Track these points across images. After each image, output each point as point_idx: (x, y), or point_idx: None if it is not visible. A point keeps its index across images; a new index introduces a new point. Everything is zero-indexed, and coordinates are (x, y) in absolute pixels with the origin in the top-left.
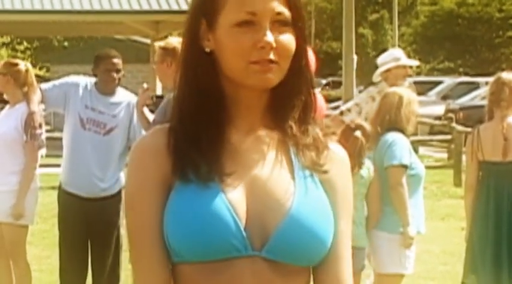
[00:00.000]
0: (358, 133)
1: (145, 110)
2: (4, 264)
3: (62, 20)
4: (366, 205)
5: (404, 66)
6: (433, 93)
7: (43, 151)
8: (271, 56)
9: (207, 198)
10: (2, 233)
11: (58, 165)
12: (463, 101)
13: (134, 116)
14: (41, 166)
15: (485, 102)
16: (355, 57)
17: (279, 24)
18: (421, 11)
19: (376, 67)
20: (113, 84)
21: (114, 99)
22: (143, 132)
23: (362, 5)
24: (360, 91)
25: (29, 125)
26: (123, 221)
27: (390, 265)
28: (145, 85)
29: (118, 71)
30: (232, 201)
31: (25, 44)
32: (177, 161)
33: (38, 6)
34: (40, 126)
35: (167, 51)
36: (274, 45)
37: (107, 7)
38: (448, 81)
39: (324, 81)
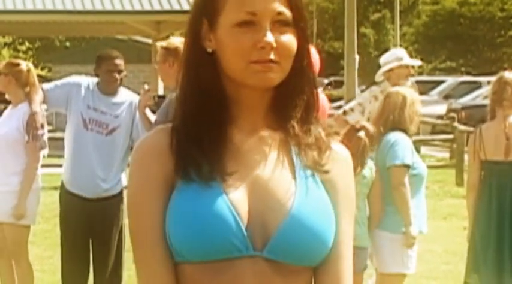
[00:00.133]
0: (361, 133)
1: (147, 111)
2: (6, 264)
3: (64, 20)
4: (367, 205)
5: (407, 66)
6: (435, 93)
7: (45, 152)
8: (272, 56)
9: (208, 198)
10: (4, 234)
11: (60, 165)
12: (465, 101)
13: (136, 116)
14: (43, 166)
15: (487, 102)
16: (357, 56)
17: (279, 24)
18: (422, 10)
19: (378, 67)
20: (114, 84)
21: (116, 99)
22: (145, 132)
23: (364, 5)
24: (362, 91)
25: (30, 126)
26: (125, 222)
27: (392, 265)
28: (146, 87)
29: (120, 72)
30: (234, 200)
31: (27, 44)
32: (179, 161)
33: (39, 6)
34: (42, 126)
35: (169, 51)
36: (274, 45)
37: (108, 7)
38: (450, 80)
39: (326, 81)
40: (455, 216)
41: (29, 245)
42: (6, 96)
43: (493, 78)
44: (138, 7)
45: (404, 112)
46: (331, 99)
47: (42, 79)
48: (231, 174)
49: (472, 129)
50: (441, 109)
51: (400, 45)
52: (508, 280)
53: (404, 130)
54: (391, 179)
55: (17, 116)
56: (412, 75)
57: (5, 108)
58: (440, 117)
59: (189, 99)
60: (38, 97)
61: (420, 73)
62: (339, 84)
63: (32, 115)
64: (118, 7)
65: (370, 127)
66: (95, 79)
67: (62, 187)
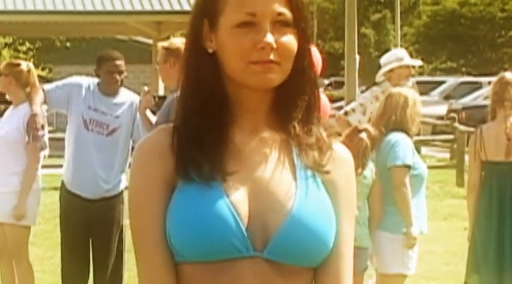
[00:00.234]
0: (363, 134)
1: (148, 112)
2: (7, 265)
3: (64, 20)
4: (367, 206)
5: (407, 66)
6: (435, 93)
7: (46, 152)
8: (272, 57)
9: (208, 198)
10: (4, 234)
11: (60, 166)
12: (465, 101)
13: (137, 116)
14: (43, 167)
15: (488, 102)
16: (357, 57)
17: (280, 24)
18: (423, 10)
19: (379, 67)
20: (115, 85)
21: (117, 99)
22: (146, 133)
23: (364, 5)
24: (362, 92)
25: (30, 127)
26: (125, 222)
27: (393, 265)
28: (146, 88)
29: (121, 73)
30: (234, 201)
31: (27, 44)
32: (180, 161)
33: (40, 7)
34: (42, 127)
35: (170, 51)
36: (274, 45)
37: (109, 8)
38: (451, 81)
39: (326, 81)
40: (455, 217)
41: (30, 246)
42: (7, 97)
43: (493, 79)
44: (138, 7)
45: (406, 113)
46: (332, 100)
47: (43, 79)
48: (232, 174)
49: (472, 129)
50: (442, 109)
51: (401, 46)
52: (509, 280)
53: (406, 131)
54: (391, 179)
55: (18, 116)
56: (413, 76)
57: (6, 109)
58: (440, 118)
59: (190, 100)
60: (38, 97)
61: (421, 74)
62: (339, 85)
63: (32, 116)
64: (118, 7)
65: (372, 130)
66: (96, 80)
67: (62, 187)
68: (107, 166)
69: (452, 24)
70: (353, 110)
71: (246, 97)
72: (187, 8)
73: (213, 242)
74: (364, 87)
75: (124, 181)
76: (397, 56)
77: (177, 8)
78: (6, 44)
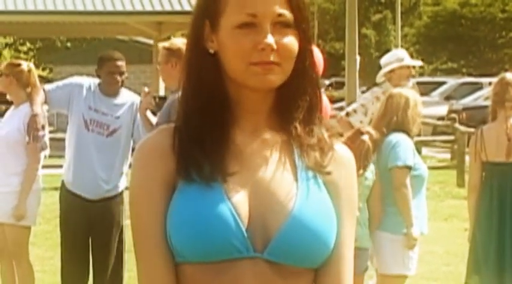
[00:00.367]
0: (365, 137)
1: (148, 113)
2: (7, 265)
3: (65, 20)
4: (366, 207)
5: (408, 67)
6: (436, 94)
7: (46, 153)
8: (272, 58)
9: (209, 199)
10: (4, 235)
11: (61, 166)
12: (466, 102)
13: (137, 117)
14: (44, 167)
15: (488, 103)
16: (358, 57)
17: (280, 25)
18: (424, 11)
19: (379, 67)
20: (116, 86)
21: (118, 100)
22: (146, 133)
23: (365, 6)
24: (363, 92)
25: (31, 127)
26: (126, 222)
27: (393, 266)
28: (146, 89)
29: (121, 74)
30: (235, 201)
31: (28, 44)
32: (181, 161)
33: (41, 7)
34: (43, 127)
35: (172, 51)
36: (274, 46)
37: (109, 8)
38: (451, 81)
39: (327, 82)
40: (456, 217)
41: (30, 246)
42: (8, 97)
43: (494, 79)
44: (139, 8)
45: (407, 114)
46: (333, 100)
47: (44, 80)
48: (233, 175)
49: (473, 130)
50: (442, 110)
51: (401, 46)
52: (509, 281)
53: (406, 132)
54: (392, 180)
55: (18, 117)
56: (413, 76)
57: (7, 109)
58: (441, 118)
59: (191, 100)
60: (39, 98)
61: (421, 74)
62: (340, 85)
63: (33, 117)
64: (119, 8)
65: (374, 133)
66: (97, 80)
67: (63, 187)
68: (107, 167)
69: (452, 24)
70: (354, 111)
71: (247, 98)
72: (187, 8)
73: (213, 242)
74: (364, 88)
75: (124, 181)
76: (398, 57)
77: (177, 8)
78: (7, 44)
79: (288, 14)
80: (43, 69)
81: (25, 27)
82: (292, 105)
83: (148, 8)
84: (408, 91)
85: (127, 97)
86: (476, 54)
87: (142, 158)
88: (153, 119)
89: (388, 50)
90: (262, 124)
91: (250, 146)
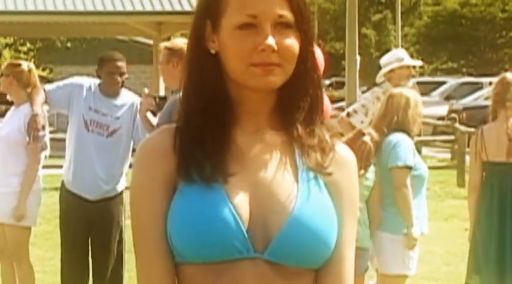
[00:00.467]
0: (366, 138)
1: (149, 114)
2: (7, 265)
3: (65, 21)
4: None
5: (408, 66)
6: (436, 94)
7: (46, 153)
8: (273, 59)
9: (209, 199)
10: (4, 235)
11: (61, 166)
12: (466, 101)
13: (137, 117)
14: (44, 167)
15: (488, 103)
16: (358, 57)
17: (281, 26)
18: (424, 11)
19: (379, 67)
20: (116, 86)
21: (118, 101)
22: (147, 134)
23: (365, 6)
24: (363, 92)
25: (31, 127)
26: (126, 223)
27: (393, 266)
28: (146, 91)
29: (122, 74)
30: (235, 202)
31: (28, 45)
32: (181, 161)
33: (41, 7)
34: (43, 127)
35: (173, 51)
36: (275, 48)
37: (109, 8)
38: (451, 81)
39: (327, 82)
40: (456, 217)
41: (30, 247)
42: (8, 97)
43: (494, 79)
44: (139, 8)
45: (408, 114)
46: (333, 100)
47: (44, 80)
48: (233, 176)
49: (473, 130)
50: (442, 110)
51: (402, 46)
52: (509, 281)
53: (407, 132)
54: (393, 180)
55: (19, 117)
56: (413, 76)
57: (7, 109)
58: (441, 118)
59: (192, 100)
60: (39, 98)
61: (421, 74)
62: (340, 85)
63: (33, 117)
64: (119, 8)
65: (376, 135)
66: (97, 81)
67: (62, 188)
68: (107, 167)
69: (453, 24)
70: (355, 111)
71: (248, 99)
72: (188, 8)
73: (213, 243)
74: (365, 88)
75: (124, 181)
76: (398, 57)
77: (177, 8)
78: (7, 45)
79: (288, 15)
80: (43, 70)
81: (25, 28)
82: (293, 106)
83: (149, 8)
84: (409, 91)
85: (127, 97)
86: (477, 54)
87: (143, 158)
88: (154, 120)
89: (388, 50)
90: (263, 125)
91: (251, 147)
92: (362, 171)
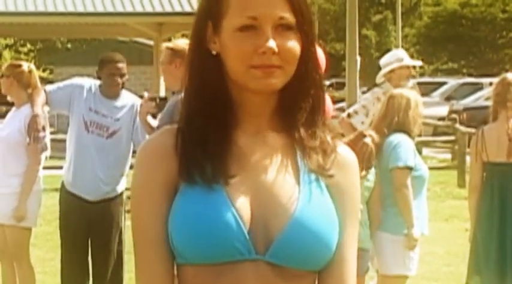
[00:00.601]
0: (368, 139)
1: (149, 117)
2: (8, 266)
3: (65, 21)
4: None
5: (407, 67)
6: (436, 94)
7: (47, 154)
8: (273, 61)
9: (211, 201)
10: (5, 236)
11: (62, 167)
12: (466, 102)
13: (137, 119)
14: (45, 168)
15: (489, 103)
16: (358, 58)
17: (282, 28)
18: (424, 11)
19: (380, 68)
20: (116, 88)
21: (118, 102)
22: (146, 136)
23: (365, 6)
24: (364, 93)
25: (32, 128)
26: (125, 223)
27: (394, 267)
28: (146, 95)
29: (122, 76)
30: (237, 204)
31: (28, 45)
32: (183, 162)
33: (41, 8)
34: (43, 128)
35: (176, 52)
36: (276, 50)
37: (110, 9)
38: (452, 82)
39: (327, 83)
40: (457, 218)
41: (31, 248)
42: (8, 98)
43: (494, 80)
44: (139, 9)
45: (409, 115)
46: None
47: (44, 81)
48: (235, 177)
49: (473, 130)
50: (443, 110)
51: (402, 47)
52: (510, 281)
53: (407, 132)
54: (393, 181)
55: (19, 118)
56: (413, 76)
57: (7, 110)
58: (442, 119)
59: (194, 101)
60: (40, 99)
61: (422, 75)
62: (340, 86)
63: (34, 117)
64: (119, 9)
65: (376, 137)
66: (98, 82)
67: (62, 188)
68: (107, 168)
69: (453, 25)
70: (356, 112)
71: (249, 100)
72: (188, 9)
73: (215, 244)
74: (365, 88)
75: (124, 182)
76: (397, 57)
77: (178, 9)
78: (7, 45)
79: (289, 17)
80: (43, 70)
81: (25, 28)
82: (295, 108)
83: (149, 9)
84: (409, 92)
85: (127, 99)
86: (477, 54)
87: (144, 159)
88: (154, 123)
89: (388, 51)
90: (264, 127)
91: (252, 148)
92: (363, 173)
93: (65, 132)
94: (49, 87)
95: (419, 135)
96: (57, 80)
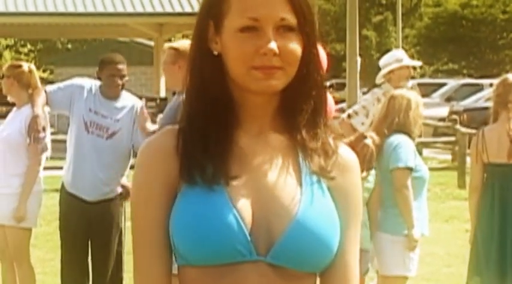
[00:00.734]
0: (368, 140)
1: (148, 124)
2: (8, 267)
3: (66, 22)
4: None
5: (407, 67)
6: (437, 95)
7: (47, 154)
8: (274, 62)
9: (212, 202)
10: (5, 236)
11: (62, 168)
12: (467, 103)
13: (137, 119)
14: (45, 168)
15: (489, 104)
16: (358, 59)
17: (283, 29)
18: (424, 12)
19: (380, 69)
20: (116, 89)
21: (118, 103)
22: (145, 137)
23: (366, 7)
24: (364, 93)
25: (32, 128)
26: (125, 224)
27: (394, 267)
28: (142, 104)
29: (122, 77)
30: (238, 205)
31: (29, 46)
32: (184, 162)
33: (41, 9)
34: (44, 129)
35: (180, 52)
36: (277, 51)
37: (110, 9)
38: (452, 82)
39: (327, 83)
40: (457, 218)
41: (31, 248)
42: (8, 98)
43: (495, 81)
44: (139, 9)
45: (409, 115)
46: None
47: (44, 81)
48: (235, 178)
49: (474, 131)
50: (443, 111)
51: (402, 48)
52: (510, 282)
53: (408, 133)
54: (393, 181)
55: (20, 118)
56: (413, 77)
57: (7, 110)
58: (442, 119)
59: (195, 101)
60: (40, 99)
61: (422, 76)
62: (340, 87)
63: (34, 118)
64: (120, 9)
65: (377, 138)
66: (98, 82)
67: (62, 189)
68: (107, 169)
69: (453, 26)
70: (356, 113)
71: (251, 101)
72: (188, 9)
73: (216, 246)
74: (365, 89)
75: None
76: (397, 57)
77: (178, 9)
78: (7, 46)
79: (291, 18)
80: (44, 71)
81: (26, 29)
82: (296, 109)
83: (149, 9)
84: (410, 93)
85: (127, 100)
86: (477, 55)
87: (145, 159)
88: (152, 128)
89: (388, 51)
90: (266, 127)
91: (254, 149)
92: (364, 174)
93: (66, 133)
94: (49, 88)
95: (420, 136)
96: (57, 81)
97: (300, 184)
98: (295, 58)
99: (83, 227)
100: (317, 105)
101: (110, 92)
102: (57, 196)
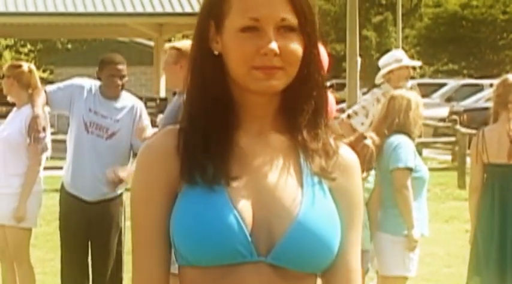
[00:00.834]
0: (368, 141)
1: (146, 133)
2: (8, 267)
3: (66, 22)
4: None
5: (406, 67)
6: (437, 95)
7: (47, 154)
8: (275, 62)
9: (212, 203)
10: (5, 236)
11: (62, 168)
12: (467, 103)
13: (136, 120)
14: (45, 168)
15: (489, 104)
16: (359, 59)
17: (284, 30)
18: (425, 13)
19: (380, 69)
20: (116, 89)
21: (118, 103)
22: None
23: (366, 7)
24: (364, 93)
25: (32, 128)
26: (125, 224)
27: (394, 267)
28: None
29: (122, 77)
30: (238, 206)
31: (29, 46)
32: (184, 163)
33: (41, 9)
34: (44, 129)
35: (182, 52)
36: (277, 51)
37: (110, 9)
38: (452, 83)
39: (327, 83)
40: (457, 219)
41: (31, 248)
42: (8, 98)
43: (495, 81)
44: (139, 9)
45: (409, 116)
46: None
47: (44, 81)
48: (236, 178)
49: (474, 131)
50: (443, 111)
51: (402, 48)
52: (510, 282)
53: (408, 133)
54: (393, 182)
55: (20, 118)
56: (413, 77)
57: (7, 111)
58: (442, 120)
59: (196, 101)
60: (40, 99)
61: (422, 76)
62: (340, 87)
63: (34, 118)
64: (120, 9)
65: (377, 139)
66: (98, 82)
67: (62, 189)
68: (106, 169)
69: (453, 26)
70: (355, 113)
71: (251, 101)
72: (188, 9)
73: (217, 247)
74: (365, 89)
75: (124, 184)
76: (396, 57)
77: (178, 9)
78: (7, 46)
79: (291, 18)
80: (44, 71)
81: (26, 29)
82: (297, 109)
83: (149, 9)
84: (410, 93)
85: (127, 100)
86: (477, 55)
87: (146, 160)
88: (153, 131)
89: (388, 51)
90: (267, 128)
91: (254, 149)
92: (364, 174)
93: (66, 133)
94: (49, 88)
95: (420, 136)
96: (57, 81)
97: (301, 185)
98: (296, 58)
99: (83, 228)
100: (318, 105)
101: (110, 92)
102: (57, 196)
